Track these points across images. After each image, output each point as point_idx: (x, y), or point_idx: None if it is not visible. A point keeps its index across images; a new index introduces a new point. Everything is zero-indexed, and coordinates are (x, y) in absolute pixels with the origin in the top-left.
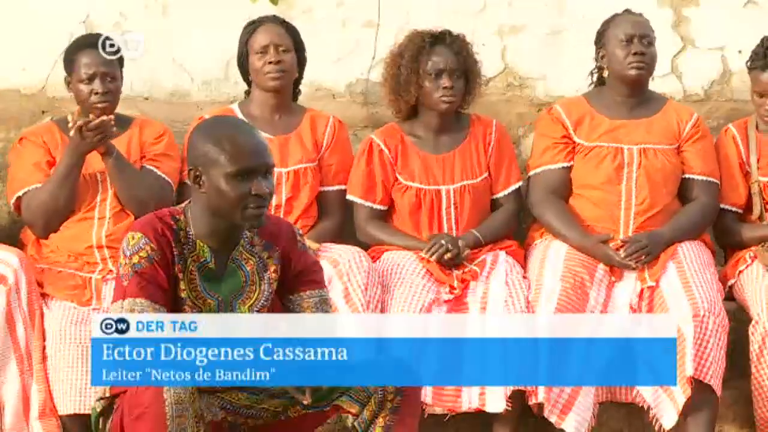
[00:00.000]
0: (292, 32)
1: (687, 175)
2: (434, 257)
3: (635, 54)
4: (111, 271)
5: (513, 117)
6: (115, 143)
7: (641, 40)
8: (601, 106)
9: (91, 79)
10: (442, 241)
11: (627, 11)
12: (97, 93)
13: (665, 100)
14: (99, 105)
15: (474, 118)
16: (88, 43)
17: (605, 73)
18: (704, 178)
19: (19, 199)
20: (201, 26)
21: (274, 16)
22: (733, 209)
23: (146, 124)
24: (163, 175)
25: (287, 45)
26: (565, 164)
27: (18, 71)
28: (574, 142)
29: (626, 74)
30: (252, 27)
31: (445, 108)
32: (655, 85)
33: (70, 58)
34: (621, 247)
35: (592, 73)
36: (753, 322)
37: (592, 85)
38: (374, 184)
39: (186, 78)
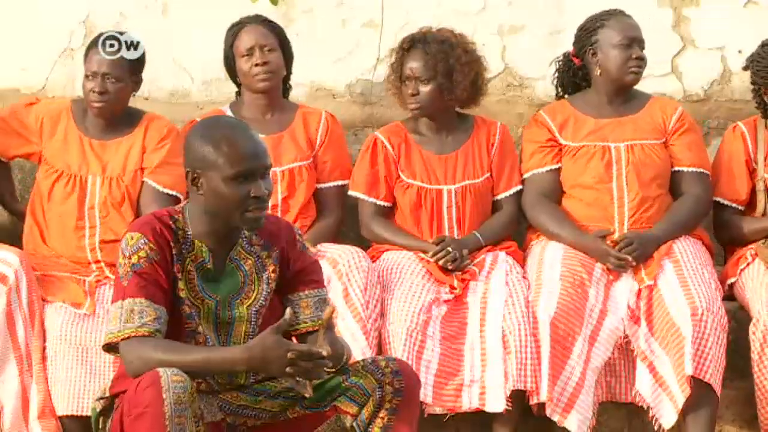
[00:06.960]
0: (276, 30)
1: (676, 168)
2: (440, 263)
3: (636, 59)
4: (108, 276)
5: (513, 117)
6: (116, 148)
7: (639, 44)
8: (586, 107)
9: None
10: (449, 248)
11: (621, 13)
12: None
13: (649, 97)
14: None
15: (478, 120)
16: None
17: (598, 72)
18: (694, 169)
19: None
20: (201, 26)
21: (257, 15)
22: (734, 205)
23: (152, 123)
24: (165, 190)
25: (272, 44)
26: (553, 166)
27: (18, 71)
28: (561, 145)
29: (624, 78)
30: (235, 29)
31: (413, 114)
32: (654, 85)
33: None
34: (614, 246)
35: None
36: (753, 321)
37: (558, 84)
38: (377, 181)
39: (186, 78)
